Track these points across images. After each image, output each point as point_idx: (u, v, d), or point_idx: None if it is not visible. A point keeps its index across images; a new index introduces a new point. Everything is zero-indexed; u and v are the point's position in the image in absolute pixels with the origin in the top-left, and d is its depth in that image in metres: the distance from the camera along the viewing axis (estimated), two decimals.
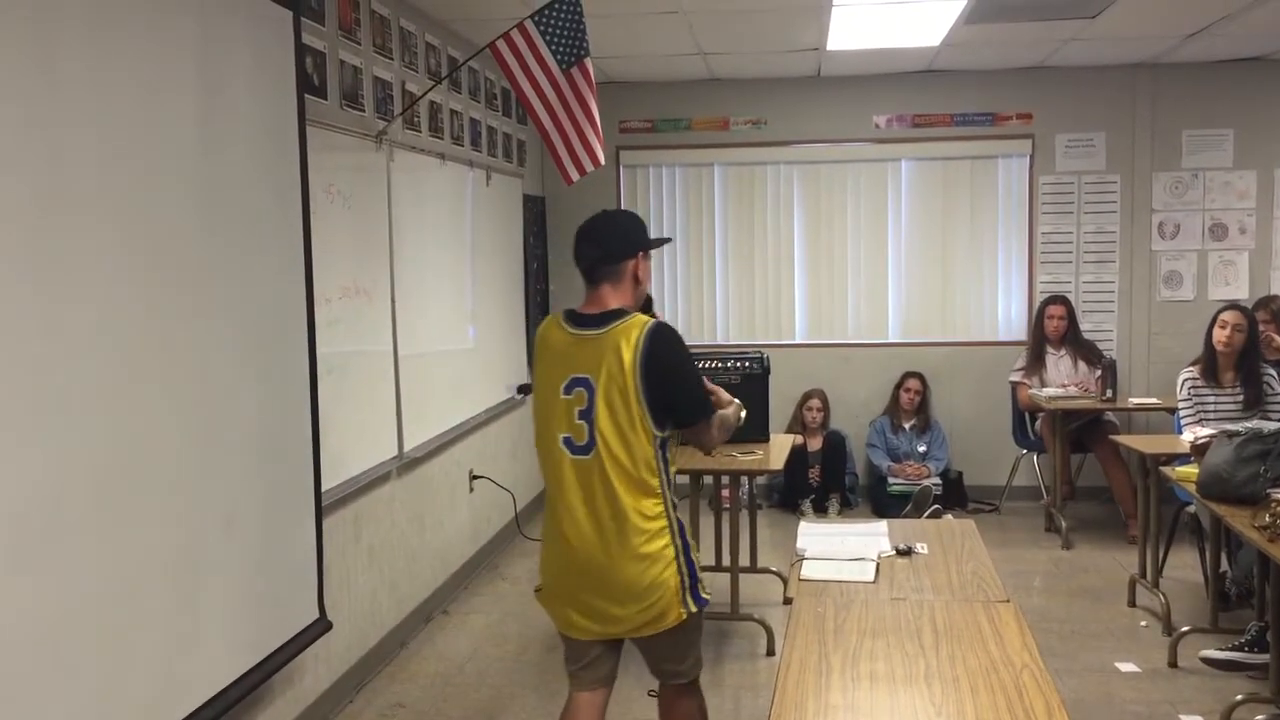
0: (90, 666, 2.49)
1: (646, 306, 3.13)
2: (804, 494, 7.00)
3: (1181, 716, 3.97)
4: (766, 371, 5.10)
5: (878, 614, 2.75)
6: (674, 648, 2.93)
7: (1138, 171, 7.22)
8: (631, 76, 7.30)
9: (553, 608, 2.96)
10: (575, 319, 2.86)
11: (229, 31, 3.12)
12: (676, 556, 2.81)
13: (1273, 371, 5.27)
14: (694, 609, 2.86)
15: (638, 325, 2.77)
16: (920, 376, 7.26)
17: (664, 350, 2.76)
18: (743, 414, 3.18)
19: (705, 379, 3.02)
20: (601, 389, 2.75)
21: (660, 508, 2.81)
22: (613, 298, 2.85)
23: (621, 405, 2.74)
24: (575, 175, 4.52)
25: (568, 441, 2.81)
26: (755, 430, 5.04)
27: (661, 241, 3.21)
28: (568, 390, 2.79)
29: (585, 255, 2.89)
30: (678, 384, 2.81)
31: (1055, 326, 6.76)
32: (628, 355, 2.73)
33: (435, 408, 5.21)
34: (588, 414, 2.76)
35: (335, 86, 4.23)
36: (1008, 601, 2.82)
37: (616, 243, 2.88)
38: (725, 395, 3.11)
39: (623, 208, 3.18)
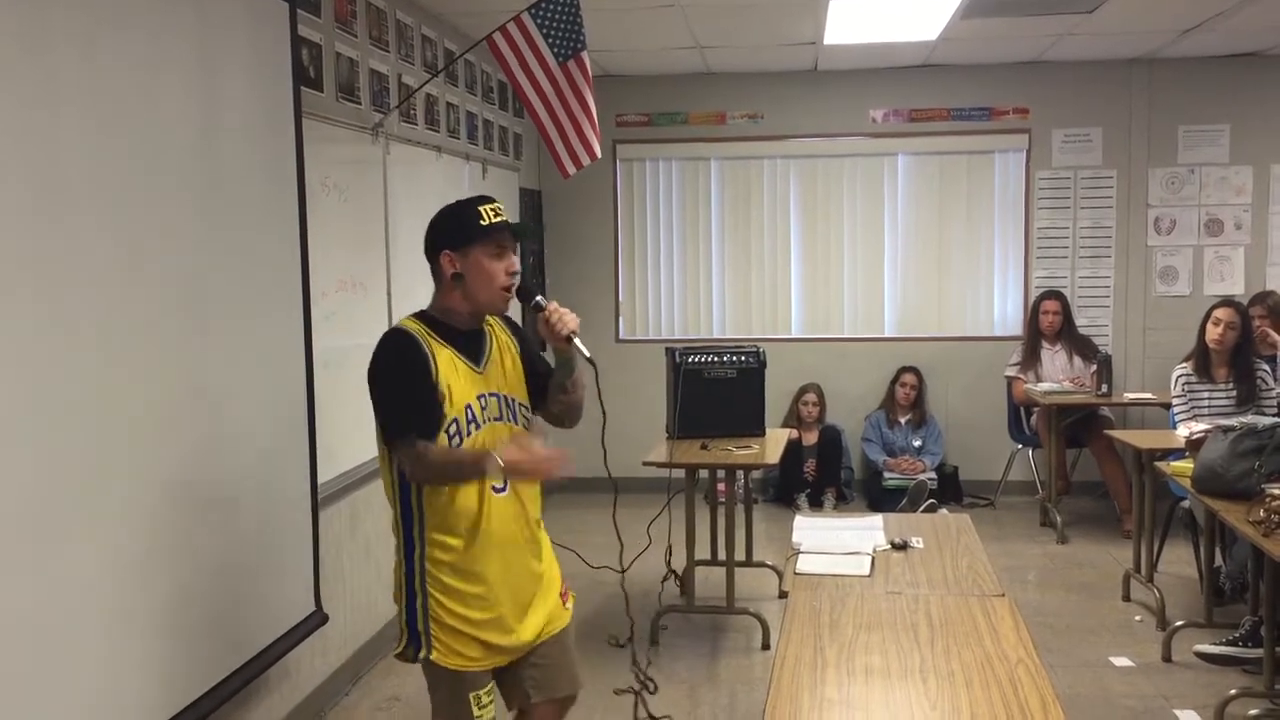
0: (87, 659, 2.49)
1: (523, 296, 2.72)
2: (800, 488, 7.01)
3: (1176, 711, 3.98)
4: (762, 366, 5.11)
5: (873, 608, 2.76)
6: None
7: (1134, 166, 7.23)
8: (628, 70, 7.29)
9: None
10: None
11: (225, 23, 3.12)
12: (402, 584, 2.57)
13: (1266, 367, 5.28)
14: (402, 650, 2.59)
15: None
16: (916, 371, 7.26)
17: (371, 361, 2.54)
18: (494, 467, 2.41)
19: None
20: None
21: (397, 528, 2.57)
22: (433, 298, 2.63)
23: None
24: (572, 169, 4.51)
25: None
26: (751, 425, 5.06)
27: (497, 229, 2.57)
28: None
29: None
30: (372, 397, 2.53)
31: (1050, 322, 6.77)
32: None
33: None
34: None
35: (331, 79, 4.22)
36: (1003, 596, 2.83)
37: (426, 243, 2.63)
38: (509, 453, 2.44)
39: (465, 198, 2.67)
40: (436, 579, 2.52)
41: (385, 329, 4.54)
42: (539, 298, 2.67)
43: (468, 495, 2.50)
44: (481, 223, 2.55)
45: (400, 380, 2.49)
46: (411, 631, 2.56)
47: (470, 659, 2.56)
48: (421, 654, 2.55)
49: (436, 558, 2.52)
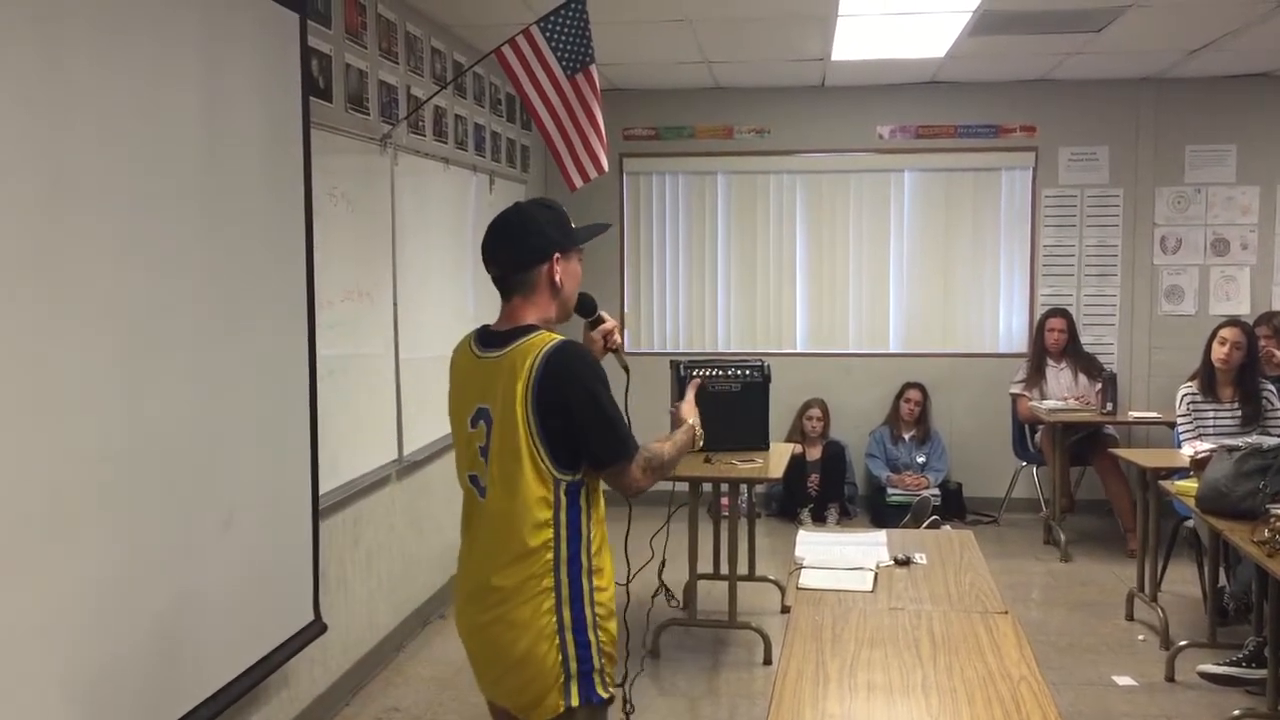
0: (84, 666, 2.49)
1: (587, 309, 2.59)
2: (803, 503, 7.00)
3: None
4: (767, 380, 5.10)
5: (876, 624, 2.75)
6: None
7: (1140, 186, 7.23)
8: (636, 84, 7.31)
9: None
10: (484, 338, 2.40)
11: (234, 33, 3.13)
12: (560, 632, 2.28)
13: (1272, 387, 5.26)
14: (575, 704, 2.29)
15: (537, 346, 2.27)
16: (920, 387, 7.25)
17: (562, 374, 2.25)
18: (698, 435, 2.62)
19: (692, 399, 2.68)
20: (497, 421, 2.29)
21: (545, 567, 2.27)
22: (527, 311, 2.37)
23: (511, 440, 2.26)
24: (579, 182, 4.52)
25: (474, 480, 2.38)
26: (755, 439, 5.05)
27: (590, 233, 2.52)
28: (473, 423, 2.36)
29: (491, 264, 2.42)
30: (579, 415, 2.27)
31: (1055, 339, 6.77)
32: (520, 382, 2.25)
33: (435, 412, 5.17)
34: (486, 450, 2.33)
35: (340, 89, 4.24)
36: (1006, 613, 2.82)
37: (523, 247, 2.38)
38: (686, 409, 2.67)
39: (544, 197, 2.70)
40: (604, 606, 2.35)
41: (390, 340, 4.65)
42: (601, 311, 2.63)
43: (604, 511, 2.41)
44: (581, 226, 2.45)
45: (610, 393, 2.34)
46: (584, 675, 2.31)
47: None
48: (600, 691, 2.33)
49: (600, 586, 2.35)
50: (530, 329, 2.33)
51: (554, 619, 2.28)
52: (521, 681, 2.32)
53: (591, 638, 2.32)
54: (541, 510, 2.27)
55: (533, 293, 2.38)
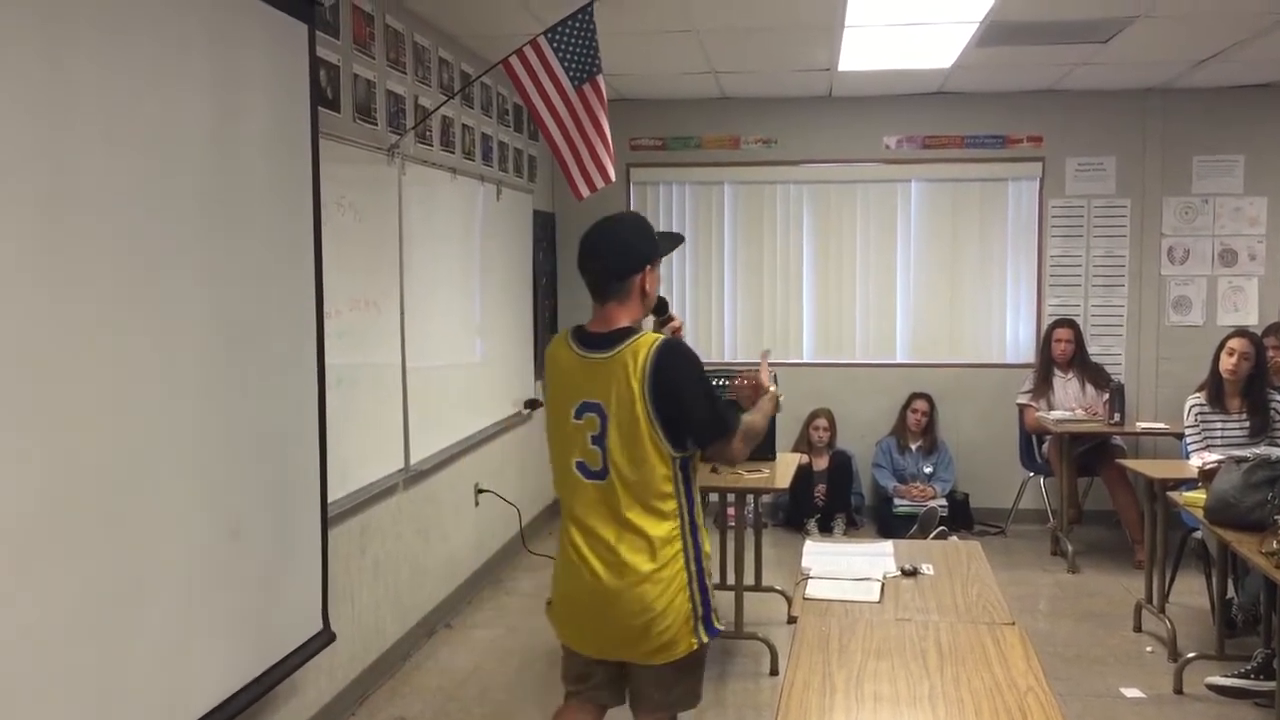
0: (91, 675, 2.49)
1: (660, 309, 2.96)
2: (809, 513, 6.99)
3: None
4: None
5: (882, 634, 2.75)
6: (673, 677, 2.79)
7: (1148, 196, 7.22)
8: (643, 94, 7.33)
9: (560, 622, 2.89)
10: (584, 339, 2.75)
11: (243, 43, 3.15)
12: (689, 584, 2.71)
13: None
14: (705, 640, 2.75)
15: (645, 345, 2.66)
16: (927, 397, 7.25)
17: (671, 369, 2.65)
18: (780, 400, 3.08)
19: (744, 381, 3.08)
20: (613, 414, 2.66)
21: (676, 531, 2.70)
22: (621, 314, 2.74)
23: (632, 429, 2.65)
24: (586, 191, 4.52)
25: (581, 466, 2.73)
26: (762, 449, 5.04)
27: (672, 245, 2.98)
28: (578, 415, 2.72)
29: (589, 271, 2.76)
30: (688, 404, 2.67)
31: (1062, 350, 6.76)
32: (635, 379, 2.63)
33: (442, 421, 5.21)
34: (600, 440, 2.68)
35: (348, 100, 4.26)
36: (1013, 624, 2.82)
37: (621, 258, 2.74)
38: (763, 380, 3.08)
39: (633, 211, 2.87)
40: (708, 557, 2.78)
41: (398, 349, 4.66)
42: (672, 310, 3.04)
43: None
44: (661, 236, 2.87)
45: (709, 380, 2.77)
46: (706, 616, 2.75)
47: None
48: (717, 625, 2.77)
49: (702, 540, 2.77)
50: (630, 330, 2.71)
51: (685, 574, 2.71)
52: (657, 631, 2.69)
53: (708, 583, 2.76)
54: (666, 485, 2.68)
55: (627, 298, 2.75)
